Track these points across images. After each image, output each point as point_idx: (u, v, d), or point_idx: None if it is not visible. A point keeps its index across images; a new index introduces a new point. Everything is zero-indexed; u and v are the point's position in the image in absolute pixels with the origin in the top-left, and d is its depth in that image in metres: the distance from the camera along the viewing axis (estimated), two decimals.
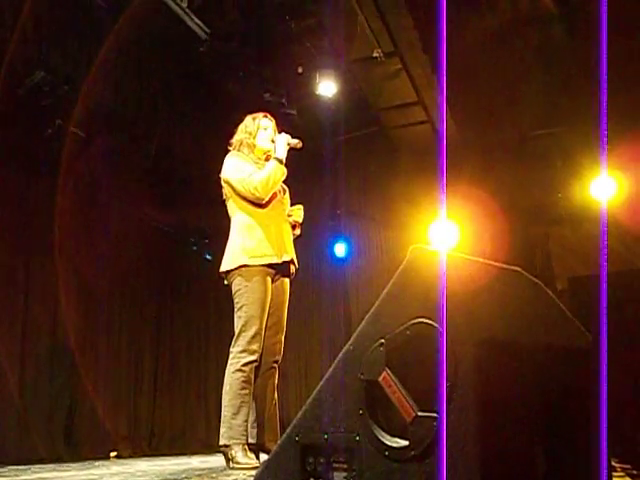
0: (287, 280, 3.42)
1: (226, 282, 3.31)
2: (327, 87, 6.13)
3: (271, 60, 6.00)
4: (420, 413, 1.59)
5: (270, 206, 3.34)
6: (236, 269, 3.22)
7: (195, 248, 7.14)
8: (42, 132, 5.07)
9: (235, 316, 3.22)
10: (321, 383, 1.79)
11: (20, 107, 4.90)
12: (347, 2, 5.45)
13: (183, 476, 3.19)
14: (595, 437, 1.46)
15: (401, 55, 6.24)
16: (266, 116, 3.54)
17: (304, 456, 1.76)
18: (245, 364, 3.12)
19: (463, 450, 1.51)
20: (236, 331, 3.19)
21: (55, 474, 3.73)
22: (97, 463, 4.78)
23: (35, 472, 3.87)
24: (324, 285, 8.30)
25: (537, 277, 1.67)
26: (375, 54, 6.13)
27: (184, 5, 5.07)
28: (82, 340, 5.48)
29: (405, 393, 1.63)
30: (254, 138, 3.45)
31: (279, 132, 3.49)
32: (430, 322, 1.63)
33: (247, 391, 3.12)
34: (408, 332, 1.67)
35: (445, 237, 7.57)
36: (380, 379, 1.67)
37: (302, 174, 7.17)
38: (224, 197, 3.43)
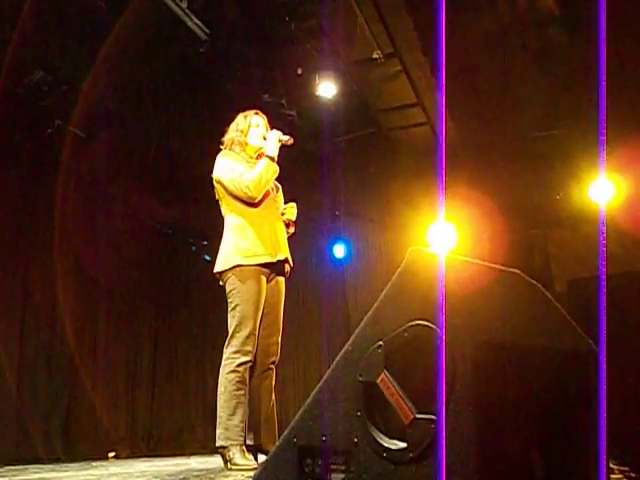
0: (282, 279, 3.39)
1: (220, 283, 3.29)
2: (327, 88, 6.13)
3: (271, 61, 6.01)
4: (418, 415, 1.59)
5: (263, 205, 3.30)
6: (230, 269, 3.19)
7: (194, 249, 7.14)
8: (42, 132, 5.07)
9: (229, 316, 3.18)
10: (319, 384, 1.79)
11: (19, 107, 4.90)
12: (347, 3, 5.45)
13: (181, 477, 3.18)
14: (593, 439, 1.46)
15: (401, 57, 6.25)
16: (257, 113, 3.51)
17: (302, 458, 1.75)
18: (239, 364, 3.09)
19: (461, 452, 1.51)
20: (230, 331, 3.16)
21: (53, 474, 3.72)
22: (95, 463, 4.77)
23: (33, 472, 3.86)
24: (323, 286, 8.30)
25: (536, 279, 1.67)
26: (375, 56, 6.14)
27: (184, 6, 5.07)
28: (80, 341, 5.47)
29: (403, 395, 1.63)
30: (246, 136, 3.42)
31: (271, 129, 3.46)
32: (428, 324, 1.63)
33: (242, 392, 3.09)
34: (406, 334, 1.67)
35: (444, 239, 7.57)
36: (378, 381, 1.67)
37: (301, 175, 7.19)
38: (217, 197, 3.39)
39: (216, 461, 3.69)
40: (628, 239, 6.34)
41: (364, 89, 6.88)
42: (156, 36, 5.55)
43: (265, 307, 3.24)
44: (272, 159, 3.28)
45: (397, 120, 7.49)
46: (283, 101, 6.18)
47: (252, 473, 2.53)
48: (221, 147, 3.45)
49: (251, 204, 3.27)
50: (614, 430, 1.49)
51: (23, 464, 4.46)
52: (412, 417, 1.60)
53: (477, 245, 7.39)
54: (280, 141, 3.36)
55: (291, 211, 3.49)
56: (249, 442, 3.16)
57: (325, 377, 1.79)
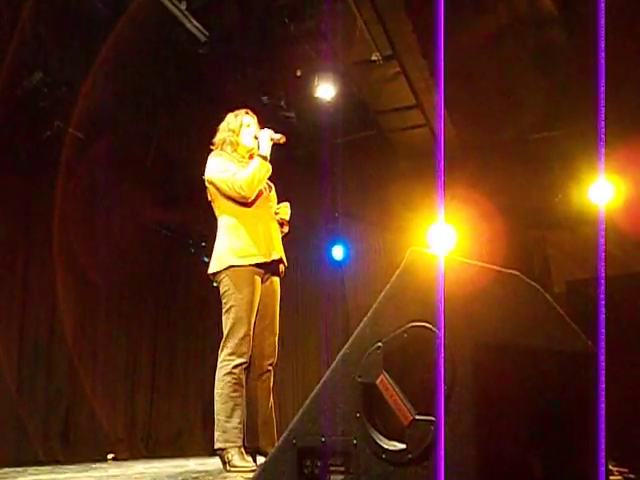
0: (277, 279, 3.36)
1: (215, 284, 3.26)
2: (326, 90, 6.13)
3: (270, 63, 6.00)
4: (417, 416, 1.59)
5: (256, 204, 3.27)
6: (224, 270, 3.16)
7: (193, 251, 7.14)
8: (41, 133, 5.07)
9: (223, 317, 3.15)
10: (318, 386, 1.79)
11: (19, 109, 4.89)
12: (346, 5, 5.46)
13: (180, 478, 3.18)
14: (593, 440, 1.46)
15: (399, 58, 6.25)
16: (247, 112, 3.48)
17: (301, 459, 1.75)
18: (235, 366, 3.07)
19: (460, 453, 1.51)
20: (224, 333, 3.13)
21: (52, 476, 3.71)
22: (94, 465, 4.77)
23: (32, 474, 3.85)
24: (322, 288, 8.30)
25: (535, 280, 1.67)
26: (374, 57, 6.14)
27: (183, 7, 5.08)
28: (80, 342, 5.47)
29: (402, 396, 1.63)
30: (237, 135, 3.39)
31: (262, 129, 3.42)
32: (428, 325, 1.63)
33: (239, 393, 3.07)
34: (406, 335, 1.67)
35: (443, 240, 7.58)
36: (377, 382, 1.67)
37: (300, 177, 7.20)
38: (209, 198, 3.37)
39: (215, 463, 3.69)
40: (627, 241, 6.35)
41: (363, 91, 6.88)
42: (155, 38, 5.55)
43: (260, 308, 3.21)
44: (265, 158, 3.25)
45: (396, 122, 7.49)
46: (282, 103, 6.17)
47: (251, 475, 2.53)
48: (212, 147, 3.42)
49: (244, 204, 3.24)
50: (613, 431, 1.49)
51: (22, 466, 4.46)
52: (411, 418, 1.60)
53: (476, 246, 7.39)
54: (272, 140, 3.32)
55: (285, 210, 3.46)
56: (246, 444, 3.14)
57: (324, 378, 1.78)
